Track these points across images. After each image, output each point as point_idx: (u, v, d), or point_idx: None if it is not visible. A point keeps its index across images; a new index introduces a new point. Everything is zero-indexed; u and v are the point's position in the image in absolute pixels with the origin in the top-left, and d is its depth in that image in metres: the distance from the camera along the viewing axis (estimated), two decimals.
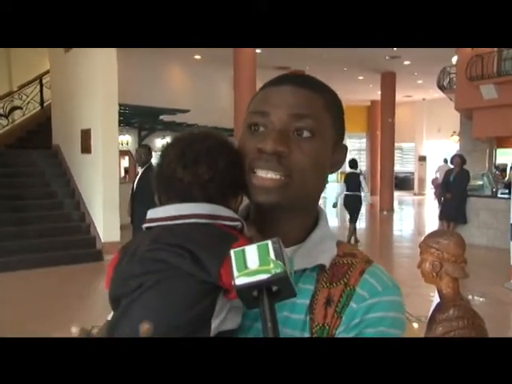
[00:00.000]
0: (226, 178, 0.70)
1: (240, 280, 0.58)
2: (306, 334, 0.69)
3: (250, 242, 0.65)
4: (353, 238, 8.77)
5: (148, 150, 5.84)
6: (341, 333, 0.69)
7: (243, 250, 0.60)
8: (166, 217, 0.69)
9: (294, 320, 0.70)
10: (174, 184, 0.70)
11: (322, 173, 0.75)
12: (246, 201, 0.78)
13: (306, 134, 0.71)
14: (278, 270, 0.58)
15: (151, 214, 0.71)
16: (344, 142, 0.81)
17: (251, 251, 0.60)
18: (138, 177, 5.85)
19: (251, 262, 0.59)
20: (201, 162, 0.69)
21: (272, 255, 0.59)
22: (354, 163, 8.74)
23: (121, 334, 0.65)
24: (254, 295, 0.60)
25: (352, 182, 8.47)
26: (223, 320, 0.65)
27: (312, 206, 0.79)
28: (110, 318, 0.71)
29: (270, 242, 0.60)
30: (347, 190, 8.53)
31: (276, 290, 0.60)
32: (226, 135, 0.77)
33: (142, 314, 0.63)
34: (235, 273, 0.59)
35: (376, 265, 0.75)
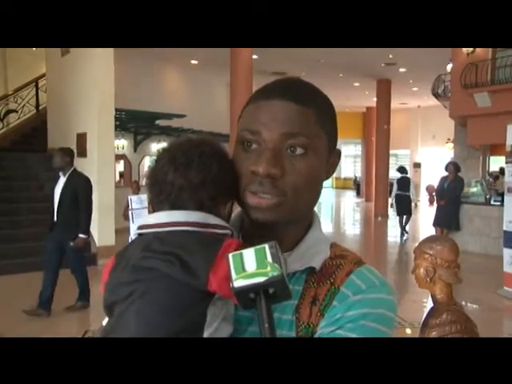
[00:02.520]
0: (217, 184, 0.70)
1: (238, 282, 0.60)
2: (293, 334, 0.70)
3: (237, 243, 0.68)
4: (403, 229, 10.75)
5: (71, 153, 5.16)
6: (321, 328, 0.69)
7: (241, 254, 0.62)
8: (157, 223, 0.69)
9: (284, 321, 0.71)
10: (165, 187, 0.70)
11: (316, 185, 0.76)
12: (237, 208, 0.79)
13: (299, 150, 0.71)
14: (275, 273, 0.60)
15: (143, 220, 0.72)
16: (338, 147, 0.81)
17: (249, 255, 0.62)
18: (62, 184, 4.99)
19: (249, 265, 0.61)
20: (192, 167, 0.70)
21: (269, 258, 0.61)
22: (403, 170, 10.73)
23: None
24: (251, 297, 0.61)
25: (403, 185, 10.43)
26: (216, 329, 0.66)
27: (307, 216, 0.80)
28: (104, 323, 0.72)
29: (267, 246, 0.62)
30: (398, 190, 10.47)
31: (272, 292, 0.61)
32: (219, 142, 0.78)
33: (134, 322, 0.63)
34: (233, 275, 0.61)
35: (366, 266, 0.75)
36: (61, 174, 5.03)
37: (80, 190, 4.96)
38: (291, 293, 0.63)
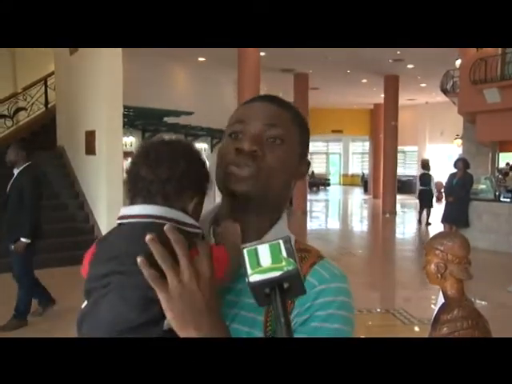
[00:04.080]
0: (184, 179, 0.76)
1: (254, 277, 0.62)
2: (261, 318, 0.75)
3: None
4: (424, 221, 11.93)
5: (27, 147, 4.80)
6: (295, 317, 0.76)
7: (256, 249, 0.63)
8: (135, 215, 0.74)
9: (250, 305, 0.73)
10: (138, 181, 0.76)
11: (287, 176, 0.85)
12: (209, 206, 0.87)
13: (277, 141, 0.83)
14: (290, 268, 0.61)
15: (124, 210, 0.77)
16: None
17: (263, 250, 0.63)
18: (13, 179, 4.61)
19: (264, 260, 0.62)
20: (162, 163, 0.76)
21: (284, 253, 0.62)
22: (426, 166, 11.80)
23: (88, 325, 0.71)
24: (265, 292, 0.62)
25: (425, 180, 11.65)
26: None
27: (276, 206, 0.87)
28: (83, 306, 0.75)
29: (281, 241, 0.63)
30: (421, 186, 11.73)
31: (287, 287, 0.62)
32: (192, 143, 0.87)
33: (106, 311, 0.68)
34: (249, 270, 0.62)
35: (326, 259, 0.85)
36: (15, 169, 4.61)
37: (25, 187, 4.47)
38: (305, 287, 0.65)
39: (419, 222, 12.35)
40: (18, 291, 4.57)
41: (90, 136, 7.82)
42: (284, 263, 0.62)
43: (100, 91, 7.58)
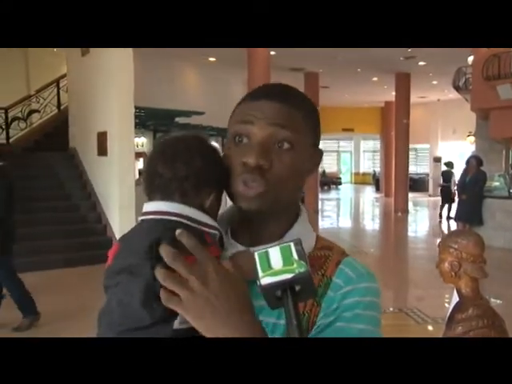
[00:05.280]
0: (201, 176, 0.76)
1: (265, 280, 0.61)
2: (283, 322, 0.71)
3: (218, 252, 0.74)
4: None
5: None
6: (321, 319, 0.74)
7: (266, 252, 0.63)
8: (150, 211, 0.75)
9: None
10: (155, 179, 0.76)
11: (299, 179, 0.82)
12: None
13: (286, 145, 0.78)
14: (302, 270, 0.61)
15: (144, 207, 0.77)
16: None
17: (274, 252, 0.63)
18: None
19: (275, 263, 0.62)
20: (178, 160, 0.76)
21: (295, 255, 0.62)
22: (449, 164, 12.76)
23: (104, 322, 0.72)
24: (277, 295, 0.62)
25: (447, 177, 12.49)
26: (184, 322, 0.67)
27: (291, 207, 0.85)
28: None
29: (292, 244, 0.63)
30: (443, 182, 12.55)
31: (298, 289, 0.62)
32: (208, 138, 0.84)
33: (116, 310, 0.69)
34: (260, 273, 0.61)
35: (350, 256, 0.82)
36: None
37: None
38: (317, 290, 0.64)
39: (440, 216, 12.76)
40: (12, 296, 4.52)
41: (102, 137, 7.88)
42: (295, 265, 0.61)
43: (111, 92, 7.63)
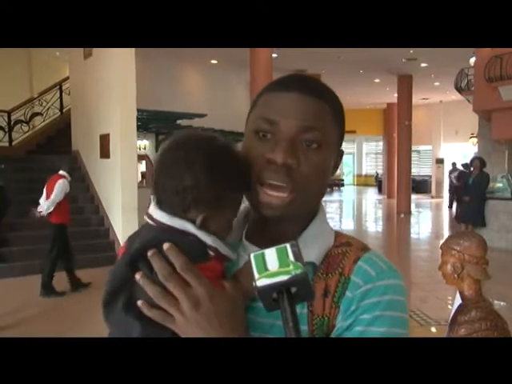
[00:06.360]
0: (200, 189, 0.69)
1: (261, 282, 0.60)
2: (305, 327, 0.70)
3: (217, 268, 0.69)
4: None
5: None
6: (339, 321, 0.69)
7: (262, 254, 0.62)
8: (149, 214, 0.72)
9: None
10: (157, 188, 0.72)
11: (325, 181, 0.77)
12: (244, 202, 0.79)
13: (314, 145, 0.72)
14: (298, 271, 0.60)
15: (151, 210, 0.72)
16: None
17: (270, 254, 0.62)
18: None
19: (271, 265, 0.61)
20: (176, 171, 0.69)
21: (291, 257, 0.61)
22: (466, 166, 12.47)
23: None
24: (273, 297, 0.61)
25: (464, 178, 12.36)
26: None
27: (312, 209, 0.80)
28: None
29: (288, 245, 0.62)
30: (457, 182, 12.85)
31: (295, 291, 0.61)
32: (221, 143, 0.75)
33: (120, 313, 0.66)
34: (256, 275, 0.61)
35: (372, 251, 0.75)
36: None
37: None
38: (314, 292, 0.64)
39: (456, 217, 13.21)
40: None
41: (105, 139, 7.90)
42: (292, 267, 0.60)
43: (114, 95, 7.65)
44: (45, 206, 5.62)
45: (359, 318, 0.68)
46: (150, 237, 0.69)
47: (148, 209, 0.74)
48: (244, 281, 0.69)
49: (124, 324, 0.66)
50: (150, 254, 0.64)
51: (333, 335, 0.70)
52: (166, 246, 0.64)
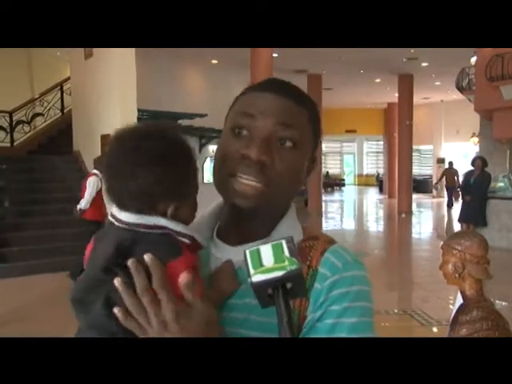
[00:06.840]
0: (157, 185, 0.68)
1: (256, 277, 0.61)
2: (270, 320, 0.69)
3: (191, 260, 0.67)
4: None
5: None
6: (310, 313, 0.71)
7: (258, 250, 0.63)
8: (128, 222, 0.69)
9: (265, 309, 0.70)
10: (117, 192, 0.70)
11: (298, 181, 0.78)
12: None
13: (288, 143, 0.74)
14: (293, 267, 0.61)
15: (114, 211, 0.71)
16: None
17: (266, 250, 0.62)
18: None
19: (266, 260, 0.61)
20: (133, 169, 0.68)
21: (287, 253, 0.62)
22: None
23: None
24: (268, 293, 0.62)
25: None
26: None
27: (284, 207, 0.81)
28: None
29: (284, 241, 0.63)
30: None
31: (290, 287, 0.61)
32: (174, 137, 0.73)
33: (99, 310, 0.67)
34: (251, 270, 0.61)
35: (338, 244, 0.78)
36: None
37: None
38: (307, 290, 0.64)
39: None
40: None
41: (106, 140, 7.90)
42: (287, 263, 0.61)
43: (114, 95, 7.66)
44: (82, 203, 6.17)
45: (329, 310, 0.70)
46: (121, 239, 0.67)
47: (111, 210, 0.72)
48: (220, 281, 0.71)
49: (102, 324, 0.66)
50: (129, 262, 0.63)
51: (305, 328, 0.71)
52: (147, 257, 0.63)
